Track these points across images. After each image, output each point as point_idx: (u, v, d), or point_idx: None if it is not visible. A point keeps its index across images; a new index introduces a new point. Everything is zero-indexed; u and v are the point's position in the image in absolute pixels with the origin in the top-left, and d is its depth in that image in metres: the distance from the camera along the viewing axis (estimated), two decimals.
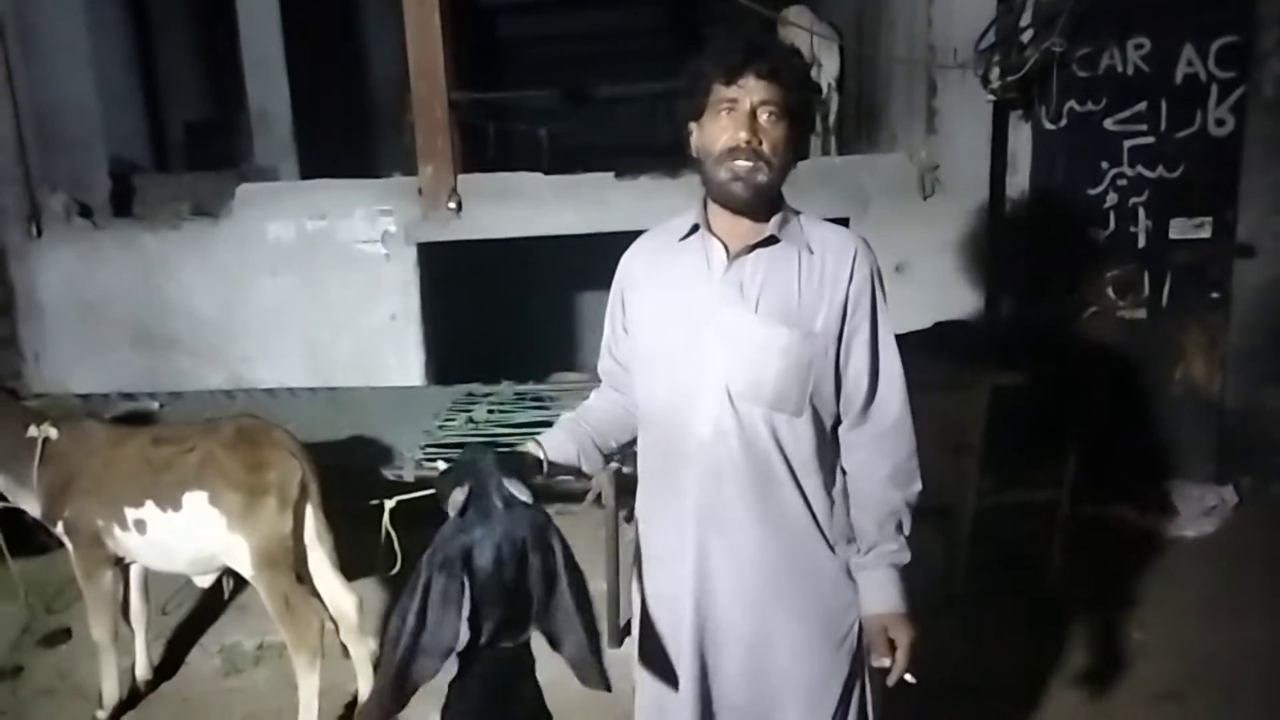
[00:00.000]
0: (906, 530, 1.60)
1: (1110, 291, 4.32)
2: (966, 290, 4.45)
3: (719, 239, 1.57)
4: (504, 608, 1.32)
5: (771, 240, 1.56)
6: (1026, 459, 3.70)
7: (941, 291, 4.39)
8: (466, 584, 1.27)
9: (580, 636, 1.34)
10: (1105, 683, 2.96)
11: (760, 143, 1.49)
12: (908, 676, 1.56)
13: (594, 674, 1.35)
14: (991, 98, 4.16)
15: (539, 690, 1.45)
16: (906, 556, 1.59)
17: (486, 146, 5.94)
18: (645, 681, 1.66)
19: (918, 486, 1.61)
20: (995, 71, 4.09)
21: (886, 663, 1.56)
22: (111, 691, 2.92)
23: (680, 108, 1.59)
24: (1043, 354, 4.12)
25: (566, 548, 1.36)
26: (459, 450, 1.50)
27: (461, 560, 1.28)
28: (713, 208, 1.59)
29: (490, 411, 3.64)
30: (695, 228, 1.60)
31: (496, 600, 1.31)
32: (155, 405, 4.00)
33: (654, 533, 1.65)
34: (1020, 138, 4.28)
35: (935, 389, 3.26)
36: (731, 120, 1.49)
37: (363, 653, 2.79)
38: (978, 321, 4.40)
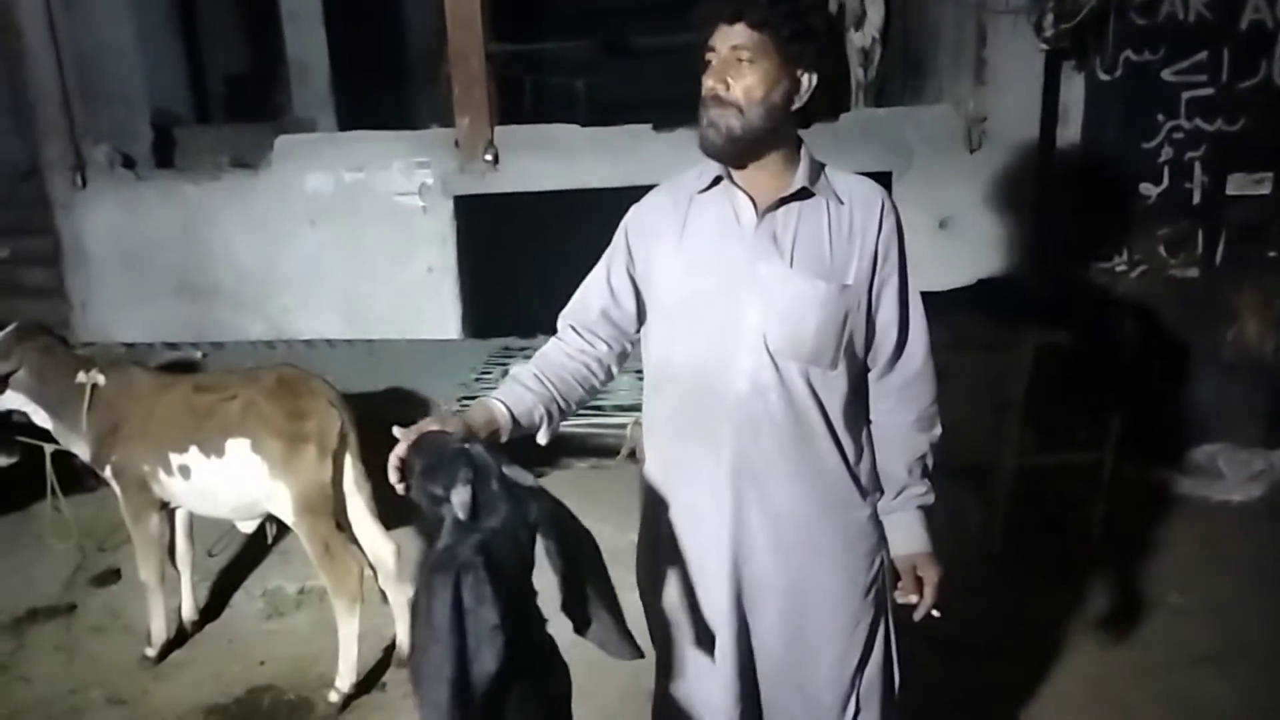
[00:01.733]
0: (930, 472, 1.65)
1: (1161, 249, 4.19)
2: (1012, 246, 4.34)
3: (744, 191, 1.54)
4: (528, 599, 1.29)
5: (803, 193, 1.52)
6: (1070, 420, 3.63)
7: (986, 247, 4.29)
8: (489, 584, 1.19)
9: (605, 615, 1.33)
10: (1144, 646, 2.92)
11: (727, 88, 1.46)
12: (934, 612, 1.62)
13: (625, 647, 1.35)
14: (1044, 47, 4.02)
15: (553, 643, 1.40)
16: (932, 497, 1.65)
17: (523, 98, 5.89)
18: (671, 638, 1.66)
19: (939, 430, 1.65)
20: (1049, 19, 3.94)
21: (914, 599, 1.62)
22: (159, 631, 3.01)
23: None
24: (1089, 313, 4.02)
25: (580, 526, 1.33)
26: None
27: (483, 560, 1.21)
28: None
29: None
30: (717, 179, 1.56)
31: (523, 593, 1.27)
32: (198, 354, 4.07)
33: (680, 491, 1.63)
34: (1073, 89, 4.13)
35: (978, 347, 3.20)
36: (711, 70, 1.48)
37: (400, 599, 2.84)
38: (1023, 278, 4.30)
